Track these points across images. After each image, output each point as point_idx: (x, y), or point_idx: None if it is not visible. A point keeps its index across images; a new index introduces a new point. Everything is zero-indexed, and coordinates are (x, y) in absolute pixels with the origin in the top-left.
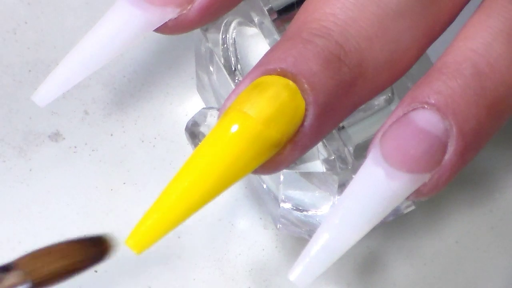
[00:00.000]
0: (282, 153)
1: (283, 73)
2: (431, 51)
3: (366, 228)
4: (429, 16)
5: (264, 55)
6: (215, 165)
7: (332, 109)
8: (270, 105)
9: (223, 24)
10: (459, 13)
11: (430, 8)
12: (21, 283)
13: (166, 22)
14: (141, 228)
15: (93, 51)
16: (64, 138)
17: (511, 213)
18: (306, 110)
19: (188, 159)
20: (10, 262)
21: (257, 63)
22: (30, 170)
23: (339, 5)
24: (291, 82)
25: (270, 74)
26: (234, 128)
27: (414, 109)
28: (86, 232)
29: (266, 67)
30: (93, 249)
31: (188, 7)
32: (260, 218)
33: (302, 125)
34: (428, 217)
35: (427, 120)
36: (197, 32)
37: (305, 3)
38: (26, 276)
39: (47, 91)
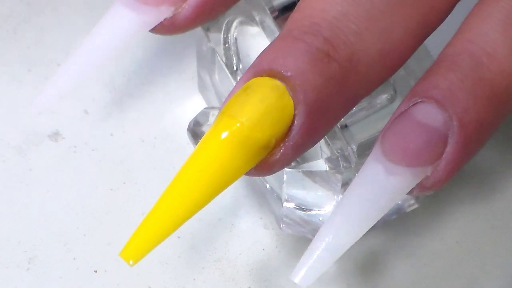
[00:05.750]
0: (275, 154)
1: (272, 74)
2: (435, 50)
3: (367, 225)
4: (422, 6)
5: (258, 56)
6: (205, 171)
7: (324, 106)
8: (256, 108)
9: (224, 24)
10: (455, 3)
11: None
12: None
13: (161, 22)
14: (135, 240)
15: (90, 57)
16: (64, 138)
17: (511, 213)
18: (295, 109)
19: (181, 167)
20: None
21: (251, 64)
22: (30, 170)
23: (330, 1)
24: (278, 82)
25: (261, 75)
26: (222, 133)
27: (413, 104)
28: (86, 232)
29: (257, 68)
30: None
31: (183, 6)
32: (261, 218)
33: (292, 124)
34: (429, 217)
35: (425, 113)
36: (199, 31)
37: (300, 1)
38: None
39: (46, 99)
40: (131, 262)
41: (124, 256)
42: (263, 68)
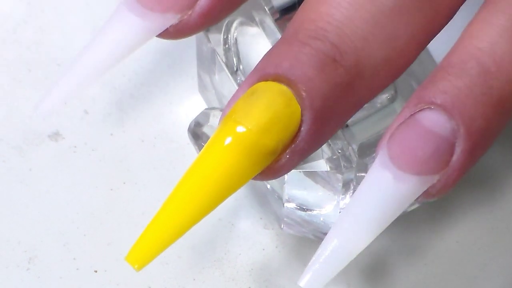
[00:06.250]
0: (281, 159)
1: (278, 79)
2: (435, 50)
3: (375, 232)
4: (426, 11)
5: (262, 58)
6: (212, 177)
7: (330, 112)
8: (264, 114)
9: (224, 24)
10: (458, 8)
11: (427, 3)
12: None
13: (167, 28)
14: (141, 244)
15: (95, 63)
16: (64, 138)
17: (511, 213)
18: (302, 115)
19: (186, 172)
20: None
21: (255, 67)
22: (30, 170)
23: (335, 4)
24: (285, 88)
25: (266, 80)
26: (229, 139)
27: (420, 110)
28: (86, 232)
29: (262, 72)
30: None
31: (189, 13)
32: (261, 218)
33: (299, 130)
34: (429, 217)
35: (433, 120)
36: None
37: (303, 3)
38: None
39: (51, 105)
40: (136, 266)
41: (130, 261)
42: (269, 72)
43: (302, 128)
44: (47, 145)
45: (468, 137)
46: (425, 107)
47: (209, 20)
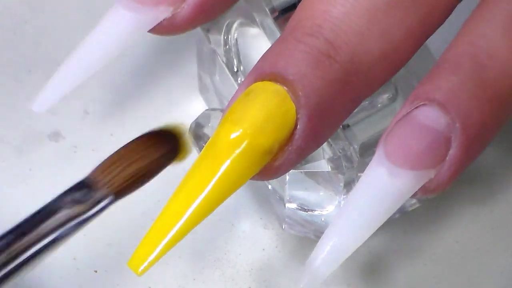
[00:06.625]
0: (278, 159)
1: (274, 77)
2: (437, 49)
3: (372, 228)
4: (422, 7)
5: (260, 58)
6: (209, 179)
7: (327, 109)
8: (258, 114)
9: (225, 25)
10: (456, 4)
11: None
12: (104, 198)
13: (160, 22)
14: (142, 249)
15: (89, 58)
16: (64, 138)
17: (511, 213)
18: (297, 113)
19: (185, 174)
20: (84, 179)
21: (253, 67)
22: (30, 170)
23: (332, 1)
24: (279, 87)
25: (263, 79)
26: (225, 141)
27: (416, 107)
28: (86, 232)
29: (259, 72)
30: (165, 145)
31: (182, 6)
32: (261, 218)
33: (295, 129)
34: (429, 217)
35: (428, 116)
36: (199, 33)
37: (301, 2)
38: (107, 189)
39: (47, 99)
40: (139, 270)
41: (132, 266)
42: (265, 71)
43: (298, 126)
44: (47, 145)
45: (463, 131)
46: (421, 103)
47: (202, 14)
